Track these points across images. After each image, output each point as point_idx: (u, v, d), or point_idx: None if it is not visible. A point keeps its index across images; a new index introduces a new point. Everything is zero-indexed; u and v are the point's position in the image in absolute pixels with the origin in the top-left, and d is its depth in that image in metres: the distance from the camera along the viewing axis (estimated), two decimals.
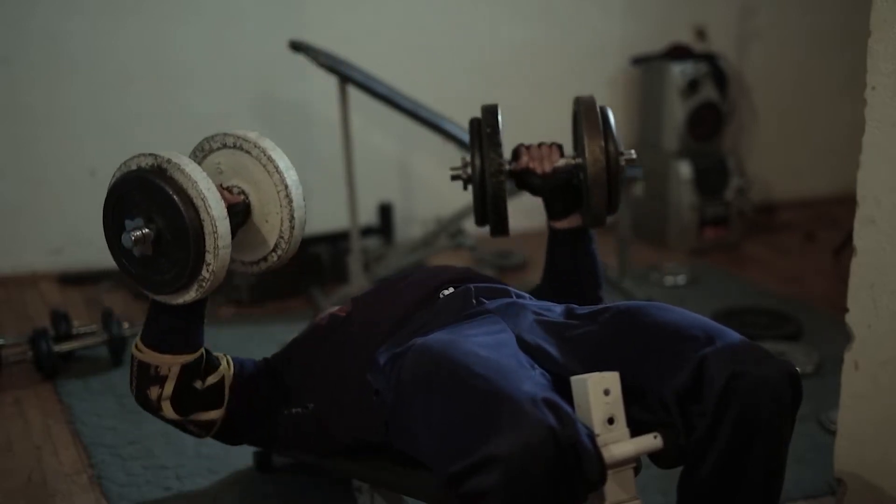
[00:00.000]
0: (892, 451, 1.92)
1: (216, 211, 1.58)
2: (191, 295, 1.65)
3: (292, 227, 1.71)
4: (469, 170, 1.95)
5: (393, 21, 3.88)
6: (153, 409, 1.77)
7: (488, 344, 1.57)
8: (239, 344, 2.83)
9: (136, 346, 1.76)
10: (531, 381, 1.45)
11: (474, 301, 1.76)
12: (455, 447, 1.39)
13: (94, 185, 3.59)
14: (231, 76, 3.70)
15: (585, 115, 1.90)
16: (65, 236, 3.60)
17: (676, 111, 3.97)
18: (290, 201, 1.70)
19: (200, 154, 1.76)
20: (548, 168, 1.96)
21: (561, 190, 1.99)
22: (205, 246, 1.59)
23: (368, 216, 3.85)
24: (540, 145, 1.99)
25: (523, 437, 1.33)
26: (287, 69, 3.59)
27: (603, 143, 1.87)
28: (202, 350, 1.78)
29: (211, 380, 1.80)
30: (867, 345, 1.92)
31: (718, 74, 4.02)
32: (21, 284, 3.49)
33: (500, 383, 1.43)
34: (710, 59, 4.05)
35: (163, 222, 1.60)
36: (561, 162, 1.96)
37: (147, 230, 1.60)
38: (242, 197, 1.72)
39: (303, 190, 1.73)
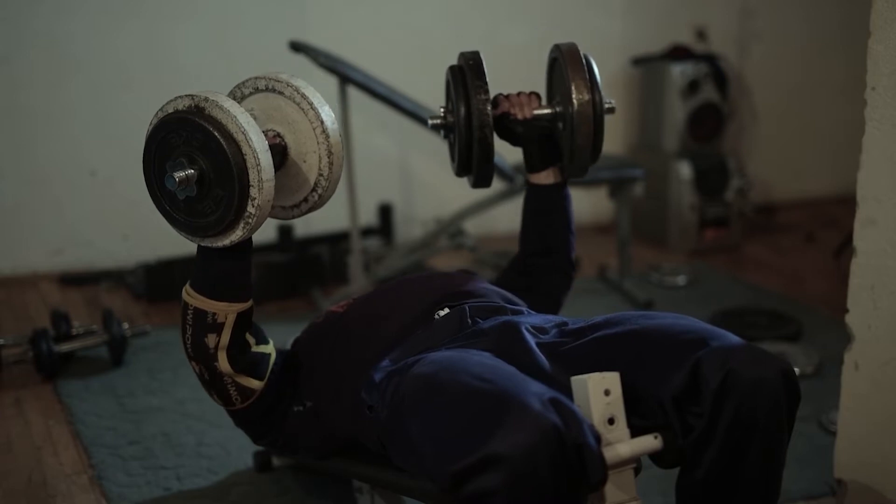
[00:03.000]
0: (893, 452, 1.92)
1: (257, 144, 1.57)
2: (237, 234, 1.62)
3: (331, 164, 1.70)
4: (450, 117, 1.93)
5: (393, 21, 3.88)
6: (209, 358, 1.74)
7: (490, 359, 1.58)
8: None
9: (188, 293, 1.73)
10: (537, 384, 1.45)
11: (469, 321, 1.76)
12: (456, 447, 1.39)
13: (94, 186, 3.59)
14: (231, 76, 3.67)
15: (570, 61, 1.88)
16: (65, 237, 3.61)
17: (676, 112, 3.97)
18: (327, 136, 1.69)
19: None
20: (528, 113, 1.96)
21: (539, 140, 1.99)
22: (248, 180, 1.57)
23: (368, 216, 3.85)
24: (519, 93, 1.99)
25: (528, 436, 1.32)
26: (287, 69, 3.57)
27: (590, 88, 1.86)
28: (252, 300, 1.77)
29: (262, 348, 1.80)
30: (867, 345, 1.92)
31: (719, 75, 4.02)
32: (21, 285, 3.50)
33: (506, 384, 1.43)
34: (710, 59, 4.05)
35: (205, 161, 1.58)
36: (540, 109, 1.96)
37: (190, 170, 1.58)
38: (279, 140, 1.71)
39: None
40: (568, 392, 1.51)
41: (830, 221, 4.26)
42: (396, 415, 1.59)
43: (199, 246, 1.71)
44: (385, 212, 3.91)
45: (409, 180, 4.04)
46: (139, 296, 3.35)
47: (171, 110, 1.63)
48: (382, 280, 3.25)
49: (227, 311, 1.72)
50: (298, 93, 1.69)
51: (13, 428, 2.44)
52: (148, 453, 2.31)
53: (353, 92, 3.15)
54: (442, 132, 2.00)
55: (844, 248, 3.31)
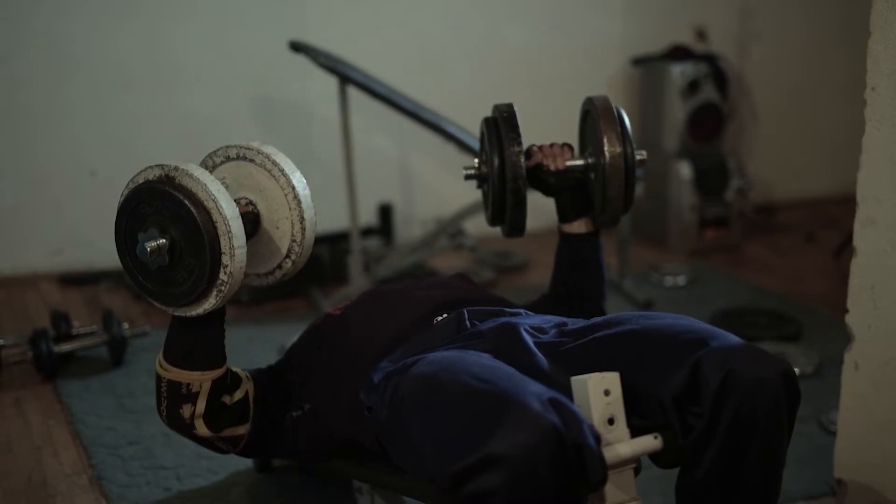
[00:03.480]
0: (893, 452, 1.92)
1: (228, 211, 1.58)
2: (210, 302, 1.63)
3: (303, 229, 1.71)
4: (484, 168, 1.96)
5: (393, 21, 3.88)
6: (186, 427, 1.77)
7: (489, 360, 1.58)
8: (239, 345, 2.82)
9: (161, 366, 1.75)
10: (536, 384, 1.45)
11: (468, 323, 1.77)
12: (456, 448, 1.39)
13: (94, 186, 3.59)
14: (231, 76, 3.70)
15: (603, 114, 1.91)
16: (65, 237, 3.60)
17: (677, 112, 3.97)
18: (299, 202, 1.70)
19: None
20: (560, 165, 1.98)
21: (572, 191, 2.01)
22: (220, 247, 1.58)
23: (368, 217, 3.85)
24: (552, 145, 2.01)
25: (527, 436, 1.32)
26: (287, 69, 3.59)
27: (622, 141, 1.90)
28: (227, 364, 1.78)
29: (237, 395, 1.82)
30: (867, 345, 1.92)
31: (719, 75, 4.02)
32: (21, 285, 3.50)
33: (504, 385, 1.43)
34: (710, 59, 4.05)
35: (176, 230, 1.59)
36: (573, 161, 1.99)
37: (162, 240, 1.60)
38: (251, 207, 1.72)
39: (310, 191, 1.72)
40: (567, 392, 1.51)
41: (830, 221, 4.26)
42: (396, 415, 1.59)
43: (172, 315, 1.72)
44: (385, 212, 3.91)
45: (409, 180, 4.04)
46: (139, 296, 3.35)
47: (141, 181, 1.64)
48: (382, 280, 3.25)
49: (201, 380, 1.73)
50: (269, 160, 1.70)
51: (13, 428, 2.44)
52: (148, 453, 2.31)
53: (353, 92, 3.15)
54: (476, 182, 2.02)
55: (844, 248, 3.31)
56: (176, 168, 1.60)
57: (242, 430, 1.83)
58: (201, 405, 1.74)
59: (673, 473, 1.61)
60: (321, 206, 4.12)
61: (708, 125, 4.02)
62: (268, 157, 1.70)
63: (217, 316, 1.72)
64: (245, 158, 1.71)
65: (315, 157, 3.77)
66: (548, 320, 1.78)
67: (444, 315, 1.82)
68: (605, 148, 1.89)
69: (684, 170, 3.94)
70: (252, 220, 1.71)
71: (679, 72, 3.96)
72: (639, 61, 4.16)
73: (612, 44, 4.20)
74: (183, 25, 3.60)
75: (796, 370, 1.86)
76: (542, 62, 4.12)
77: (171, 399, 1.75)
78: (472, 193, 3.74)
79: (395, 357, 1.73)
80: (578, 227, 2.04)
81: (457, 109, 3.47)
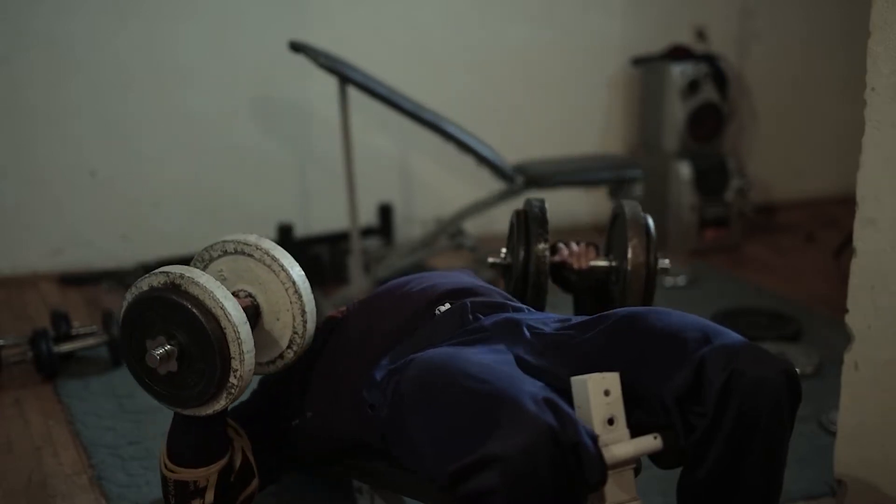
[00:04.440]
0: (893, 452, 1.92)
1: (236, 318, 1.60)
2: (221, 403, 1.65)
3: (305, 322, 1.73)
4: (510, 259, 2.02)
5: (393, 21, 3.88)
6: None
7: (488, 358, 1.58)
8: None
9: (167, 467, 1.75)
10: (532, 384, 1.45)
11: (470, 317, 1.76)
12: (455, 448, 1.39)
13: (94, 186, 3.59)
14: (231, 76, 3.70)
15: (632, 223, 1.97)
16: (65, 237, 3.60)
17: (676, 112, 3.97)
18: (300, 296, 1.72)
19: (201, 264, 1.77)
20: (584, 264, 2.04)
21: (593, 290, 2.06)
22: (230, 353, 1.60)
23: (368, 217, 3.85)
24: (578, 243, 2.07)
25: (524, 436, 1.33)
26: (287, 69, 3.59)
27: (646, 250, 1.95)
28: (229, 451, 1.78)
29: (237, 462, 1.80)
30: (867, 345, 1.92)
31: (718, 75, 4.02)
32: (21, 285, 3.49)
33: (501, 385, 1.43)
34: (710, 59, 4.05)
35: (185, 337, 1.61)
36: (597, 261, 2.05)
37: (170, 347, 1.61)
38: (250, 300, 1.73)
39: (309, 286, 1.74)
40: (568, 386, 1.52)
41: (830, 221, 4.26)
42: (397, 413, 1.59)
43: (175, 415, 1.72)
44: (385, 212, 3.91)
45: (409, 180, 4.04)
46: None
47: (146, 287, 1.64)
48: (382, 280, 3.25)
49: (207, 475, 1.74)
50: (268, 255, 1.72)
51: (13, 428, 2.44)
52: (148, 453, 2.31)
53: (353, 92, 3.15)
54: (500, 271, 2.08)
55: (844, 248, 3.31)
56: (181, 276, 1.61)
57: (253, 485, 1.83)
58: (210, 496, 1.74)
59: (673, 473, 1.61)
60: (321, 206, 4.15)
61: (708, 125, 4.02)
62: (266, 252, 1.72)
63: (223, 412, 1.72)
64: (243, 253, 1.73)
65: (315, 157, 3.77)
66: (550, 317, 1.78)
67: (447, 305, 1.82)
68: (629, 256, 1.94)
69: (684, 170, 3.94)
70: (252, 313, 1.73)
71: (679, 72, 3.96)
72: (639, 61, 4.16)
73: (612, 44, 4.20)
74: (183, 25, 3.60)
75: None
76: (542, 62, 4.12)
77: (180, 498, 1.75)
78: (472, 193, 3.74)
79: (396, 353, 1.73)
80: None
81: (457, 109, 3.47)
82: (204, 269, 1.76)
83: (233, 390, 1.63)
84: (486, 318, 1.76)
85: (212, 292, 1.59)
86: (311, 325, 1.75)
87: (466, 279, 1.97)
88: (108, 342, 2.78)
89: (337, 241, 3.60)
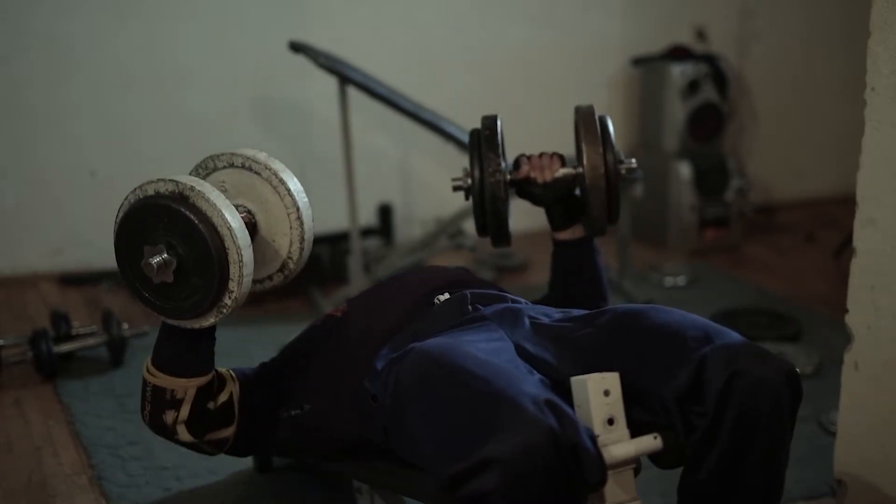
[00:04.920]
0: (893, 452, 1.92)
1: (242, 241, 1.57)
2: (209, 320, 1.64)
3: (302, 249, 1.72)
4: (469, 179, 1.95)
5: (393, 21, 3.88)
6: (168, 432, 1.77)
7: (487, 349, 1.58)
8: (238, 345, 2.83)
9: (148, 370, 1.75)
10: (531, 384, 1.45)
11: (470, 307, 1.76)
12: (454, 449, 1.39)
13: (94, 186, 3.59)
14: (231, 76, 3.70)
15: (583, 124, 1.90)
16: (65, 237, 3.60)
17: (676, 112, 3.97)
18: (302, 223, 1.70)
19: (203, 171, 1.74)
20: (548, 177, 1.96)
21: (562, 200, 1.99)
22: (229, 274, 1.58)
23: (368, 217, 3.85)
24: (541, 155, 1.98)
25: (523, 438, 1.33)
26: (287, 69, 3.59)
27: (601, 152, 1.87)
28: (214, 371, 1.78)
29: (221, 398, 1.80)
30: (867, 345, 1.92)
31: (718, 75, 4.02)
32: (21, 285, 3.49)
33: (500, 384, 1.43)
34: (710, 59, 4.05)
35: (185, 250, 1.58)
36: (561, 171, 1.96)
37: (168, 256, 1.58)
38: (248, 216, 1.71)
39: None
40: (565, 379, 1.52)
41: (830, 221, 4.26)
42: (397, 403, 1.59)
43: (163, 322, 1.71)
44: (385, 212, 3.91)
45: (409, 180, 4.04)
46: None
47: (151, 192, 1.61)
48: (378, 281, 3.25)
49: (186, 387, 1.73)
50: (276, 177, 1.69)
51: (13, 428, 2.44)
52: (148, 453, 2.31)
53: (353, 92, 3.15)
54: (464, 194, 2.00)
55: (844, 248, 3.31)
56: (192, 188, 1.57)
57: (227, 432, 1.82)
58: (184, 412, 1.74)
59: (673, 473, 1.61)
60: (321, 207, 4.14)
61: (708, 125, 4.02)
62: (275, 173, 1.69)
63: (211, 328, 1.72)
64: (250, 169, 1.71)
65: (315, 157, 3.77)
66: (550, 310, 1.78)
67: (446, 294, 1.81)
68: (585, 161, 1.87)
69: (684, 170, 3.94)
70: (249, 230, 1.70)
71: (679, 72, 3.96)
72: (639, 61, 4.16)
73: (612, 44, 4.20)
74: (183, 25, 3.60)
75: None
76: (541, 62, 4.12)
77: (155, 404, 1.75)
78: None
79: (396, 342, 1.73)
80: (571, 233, 2.03)
81: (457, 109, 3.47)
82: (206, 176, 1.73)
83: (224, 310, 1.61)
84: (485, 307, 1.76)
85: (221, 211, 1.56)
86: (306, 253, 1.72)
87: (465, 274, 1.98)
88: (108, 342, 2.78)
89: (337, 241, 3.60)
